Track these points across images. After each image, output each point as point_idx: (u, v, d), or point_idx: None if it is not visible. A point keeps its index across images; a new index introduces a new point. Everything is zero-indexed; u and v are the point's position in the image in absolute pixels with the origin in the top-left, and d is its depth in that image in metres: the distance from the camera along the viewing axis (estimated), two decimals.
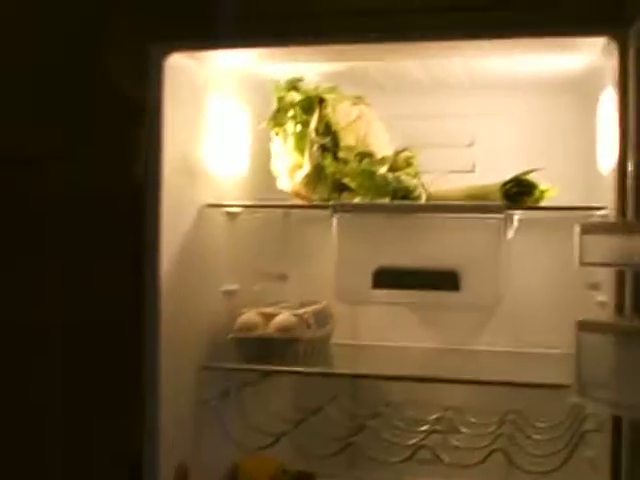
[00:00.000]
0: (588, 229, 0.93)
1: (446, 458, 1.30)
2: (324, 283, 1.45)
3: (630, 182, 1.00)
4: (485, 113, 1.60)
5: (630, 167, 1.00)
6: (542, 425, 1.40)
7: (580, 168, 1.46)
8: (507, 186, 1.29)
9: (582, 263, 0.94)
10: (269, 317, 1.38)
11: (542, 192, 1.28)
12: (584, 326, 1.01)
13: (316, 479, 1.53)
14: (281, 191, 1.45)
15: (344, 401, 1.53)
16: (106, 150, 1.25)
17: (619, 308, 1.05)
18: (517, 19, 1.07)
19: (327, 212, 1.33)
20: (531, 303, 1.54)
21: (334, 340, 1.53)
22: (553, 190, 1.28)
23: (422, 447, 1.31)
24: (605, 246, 0.91)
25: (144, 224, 1.24)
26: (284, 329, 1.35)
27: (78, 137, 1.28)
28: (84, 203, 1.28)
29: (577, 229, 0.94)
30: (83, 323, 1.27)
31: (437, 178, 1.44)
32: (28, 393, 1.32)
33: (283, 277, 1.63)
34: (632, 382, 0.97)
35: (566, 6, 1.06)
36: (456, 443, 1.34)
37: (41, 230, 1.31)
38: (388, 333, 1.61)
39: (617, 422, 1.09)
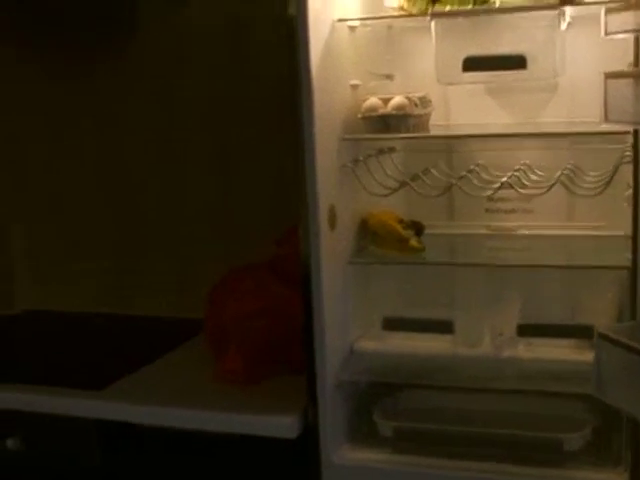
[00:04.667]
0: (611, 9, 1.40)
1: (523, 191, 1.80)
2: (421, 78, 1.96)
3: None
4: None
5: None
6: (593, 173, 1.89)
7: None
8: None
9: (607, 33, 1.41)
10: (387, 101, 1.87)
11: None
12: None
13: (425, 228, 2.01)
14: (388, 8, 1.91)
15: (442, 167, 2.03)
16: None
17: None
18: None
19: (424, 22, 1.80)
20: (585, 82, 1.97)
21: (432, 122, 2.02)
22: None
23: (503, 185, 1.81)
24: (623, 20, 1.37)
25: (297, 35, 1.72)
26: (399, 108, 1.85)
27: None
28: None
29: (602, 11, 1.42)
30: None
31: None
32: None
33: (390, 77, 2.09)
34: None
35: None
36: (528, 183, 1.85)
37: None
38: (472, 115, 2.07)
39: None
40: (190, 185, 2.54)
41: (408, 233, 1.94)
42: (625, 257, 1.76)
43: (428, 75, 1.89)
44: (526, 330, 1.85)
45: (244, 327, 1.97)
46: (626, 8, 1.40)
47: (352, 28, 1.91)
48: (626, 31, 1.39)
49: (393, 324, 1.93)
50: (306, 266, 1.77)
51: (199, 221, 2.54)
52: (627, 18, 1.37)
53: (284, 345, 1.96)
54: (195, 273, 2.45)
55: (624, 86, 1.40)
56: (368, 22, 1.93)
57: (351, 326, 1.94)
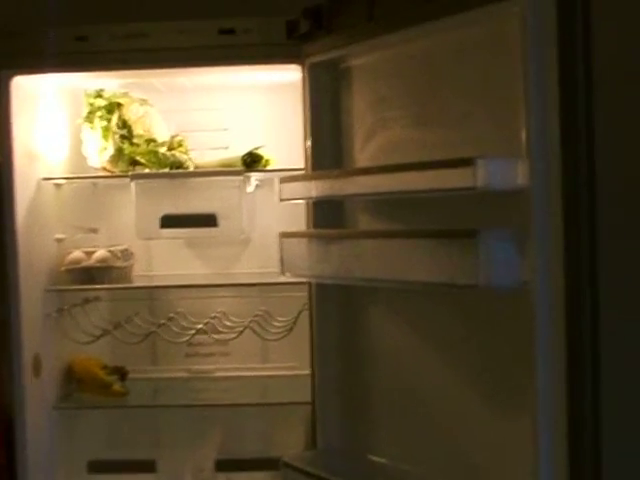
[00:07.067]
0: (283, 179, 1.64)
1: (216, 337, 1.97)
2: (125, 232, 2.11)
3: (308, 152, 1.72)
4: (236, 107, 2.20)
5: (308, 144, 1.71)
6: (281, 318, 2.11)
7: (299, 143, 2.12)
8: (244, 157, 1.98)
9: (281, 199, 1.64)
10: (90, 254, 2.00)
11: (267, 161, 1.98)
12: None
13: (129, 373, 2.14)
14: (92, 167, 2.06)
15: (144, 315, 2.17)
16: None
17: None
18: (237, 55, 1.76)
19: (127, 180, 1.96)
20: (273, 238, 2.18)
21: (136, 272, 2.16)
22: (272, 160, 1.99)
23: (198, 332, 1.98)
24: (292, 189, 1.61)
25: (3, 194, 1.82)
26: (102, 260, 1.98)
27: None
28: None
29: (277, 180, 1.65)
30: None
31: (201, 154, 2.11)
32: None
33: (95, 230, 2.22)
34: None
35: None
36: (222, 330, 2.03)
37: None
38: (172, 265, 2.24)
39: None
40: None
41: (111, 378, 2.04)
42: None
43: (131, 229, 2.04)
44: (225, 465, 1.98)
45: None
46: (294, 179, 1.64)
47: (58, 185, 2.03)
48: (295, 198, 1.63)
49: (98, 467, 2.00)
50: (9, 414, 1.82)
51: None
52: (296, 187, 1.61)
53: None
54: None
55: (296, 244, 1.62)
56: (73, 180, 2.06)
57: (57, 471, 1.98)
